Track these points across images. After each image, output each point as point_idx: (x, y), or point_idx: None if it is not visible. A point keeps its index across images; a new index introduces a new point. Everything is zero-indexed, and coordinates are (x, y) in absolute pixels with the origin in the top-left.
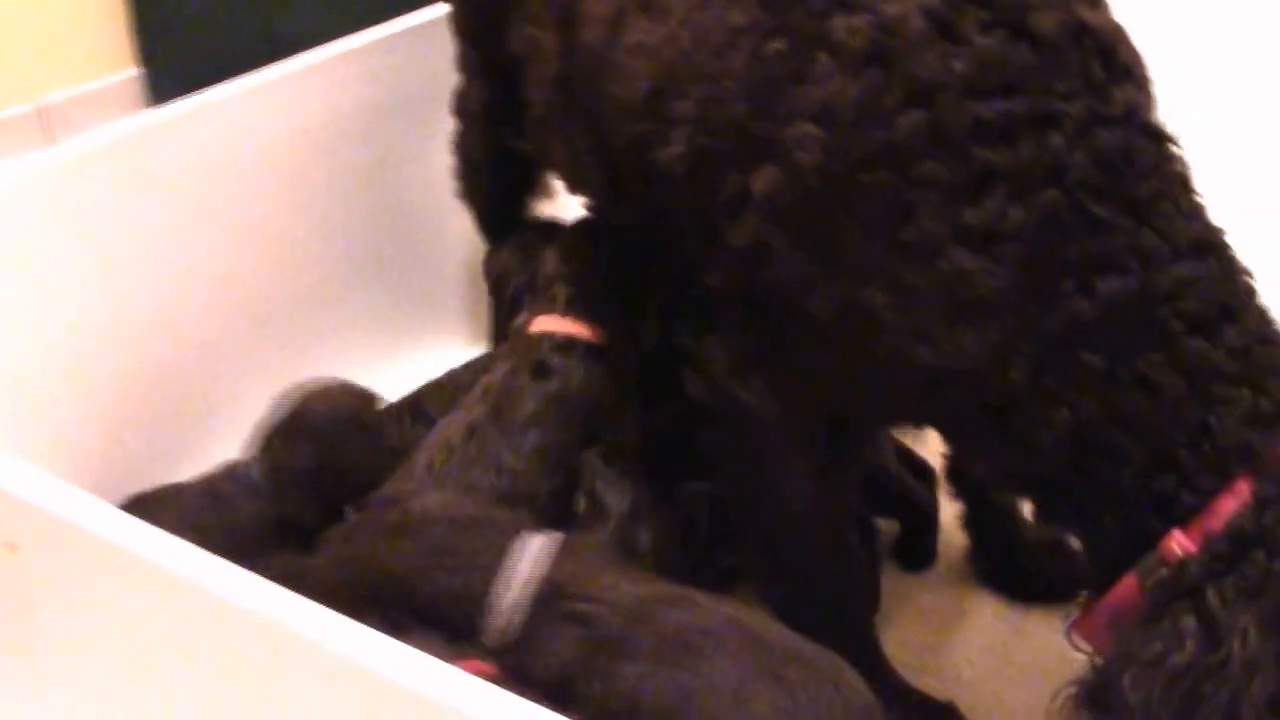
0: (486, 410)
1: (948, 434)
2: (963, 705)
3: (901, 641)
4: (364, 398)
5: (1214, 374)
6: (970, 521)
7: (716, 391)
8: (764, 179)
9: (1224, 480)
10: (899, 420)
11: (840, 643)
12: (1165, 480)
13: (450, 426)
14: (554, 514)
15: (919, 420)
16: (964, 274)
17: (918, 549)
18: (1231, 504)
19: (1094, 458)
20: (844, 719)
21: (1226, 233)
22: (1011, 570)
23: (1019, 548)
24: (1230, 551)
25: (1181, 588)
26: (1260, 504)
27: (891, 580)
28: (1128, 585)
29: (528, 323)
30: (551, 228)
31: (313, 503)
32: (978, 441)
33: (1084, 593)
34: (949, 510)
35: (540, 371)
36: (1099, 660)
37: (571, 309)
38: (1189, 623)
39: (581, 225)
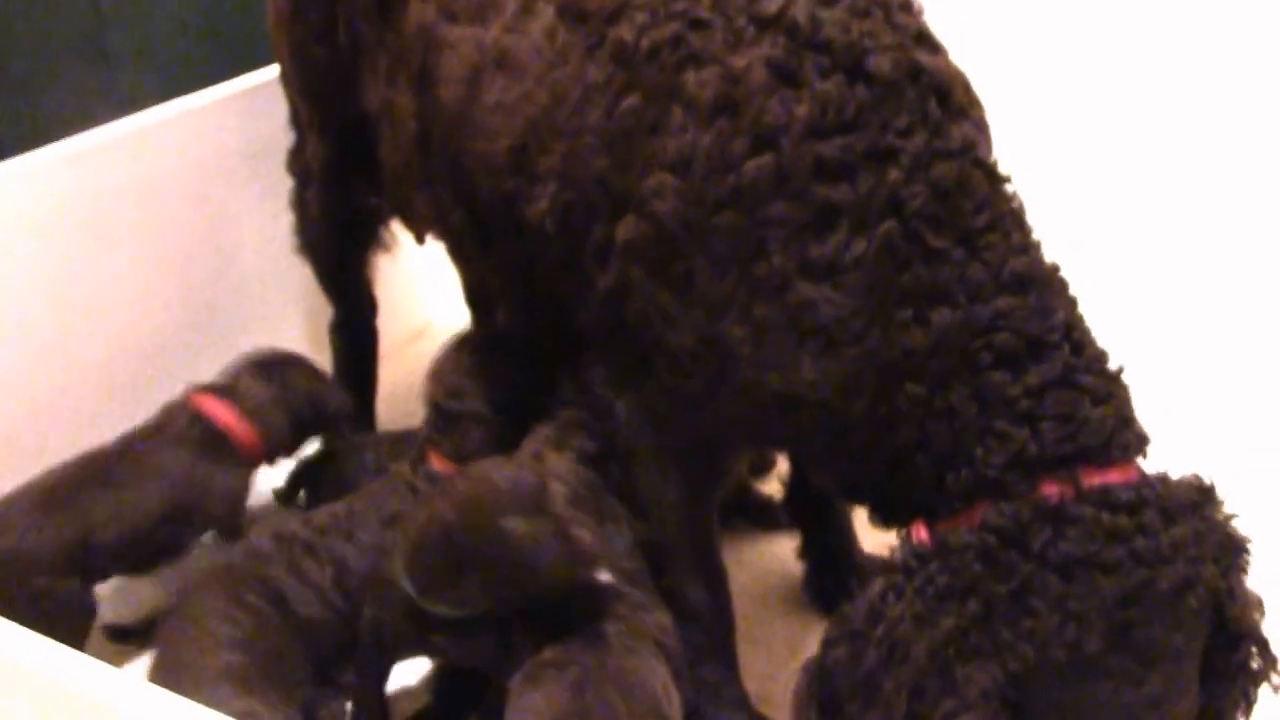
0: None
1: (794, 453)
2: None
3: (744, 670)
4: None
5: (1002, 409)
6: (807, 550)
7: (592, 401)
8: (626, 228)
9: (969, 506)
10: (756, 440)
11: (708, 655)
12: (933, 495)
13: None
14: None
15: (774, 441)
16: (809, 304)
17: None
18: (965, 521)
19: (900, 475)
20: None
21: (1060, 269)
22: (849, 597)
23: (855, 574)
24: (925, 555)
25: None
26: (978, 529)
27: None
28: None
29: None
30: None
31: None
32: (820, 460)
33: None
34: (788, 541)
35: None
36: None
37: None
38: (868, 598)
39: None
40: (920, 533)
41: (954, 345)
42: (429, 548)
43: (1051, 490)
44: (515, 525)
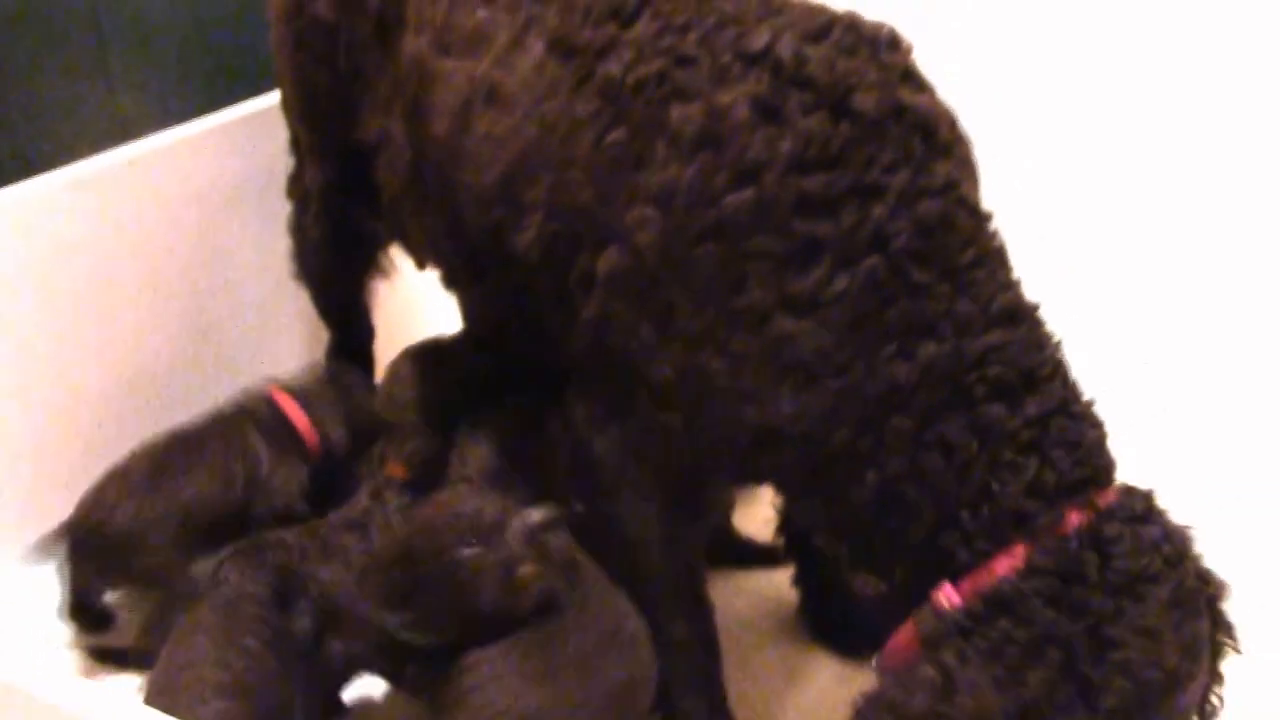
0: None
1: (778, 487)
2: None
3: (738, 699)
4: None
5: (1006, 440)
6: (801, 578)
7: (576, 439)
8: (608, 259)
9: (999, 544)
10: (737, 474)
11: (691, 689)
12: (948, 536)
13: None
14: None
15: (755, 474)
16: (789, 338)
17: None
18: (1004, 566)
19: (891, 513)
20: None
21: (1040, 307)
22: (842, 625)
23: (849, 603)
24: (983, 613)
25: (938, 640)
26: (1029, 572)
27: (723, 639)
28: (905, 632)
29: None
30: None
31: None
32: (801, 493)
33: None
34: (782, 569)
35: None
36: (859, 701)
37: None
38: (927, 673)
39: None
40: (950, 595)
41: (943, 378)
42: (384, 567)
43: (1077, 516)
44: (464, 554)
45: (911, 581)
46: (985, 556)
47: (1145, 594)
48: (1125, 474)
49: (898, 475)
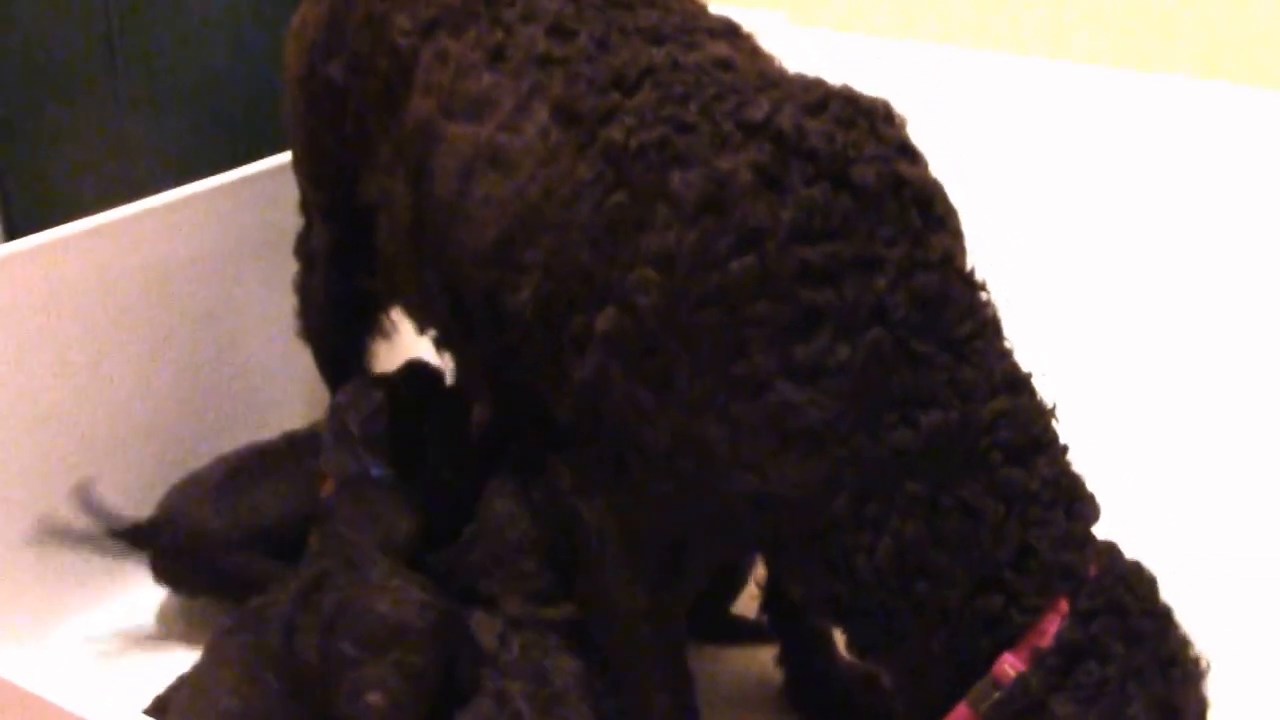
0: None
1: (771, 556)
2: None
3: None
4: None
5: (1032, 501)
6: (785, 656)
7: (561, 506)
8: (606, 319)
9: (1049, 598)
10: (728, 541)
11: None
12: (992, 600)
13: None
14: None
15: (747, 542)
16: (790, 406)
17: None
18: (1056, 621)
19: (918, 580)
20: None
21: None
22: (825, 704)
23: (834, 682)
24: (1063, 664)
25: (1022, 705)
26: (1082, 617)
27: (707, 715)
28: (961, 714)
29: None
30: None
31: None
32: (799, 565)
33: None
34: (768, 645)
35: None
36: None
37: None
38: None
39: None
40: (1011, 663)
41: (953, 444)
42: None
43: (1096, 559)
44: (343, 650)
45: (952, 653)
46: (1037, 614)
47: (1167, 611)
48: None
49: (915, 540)
